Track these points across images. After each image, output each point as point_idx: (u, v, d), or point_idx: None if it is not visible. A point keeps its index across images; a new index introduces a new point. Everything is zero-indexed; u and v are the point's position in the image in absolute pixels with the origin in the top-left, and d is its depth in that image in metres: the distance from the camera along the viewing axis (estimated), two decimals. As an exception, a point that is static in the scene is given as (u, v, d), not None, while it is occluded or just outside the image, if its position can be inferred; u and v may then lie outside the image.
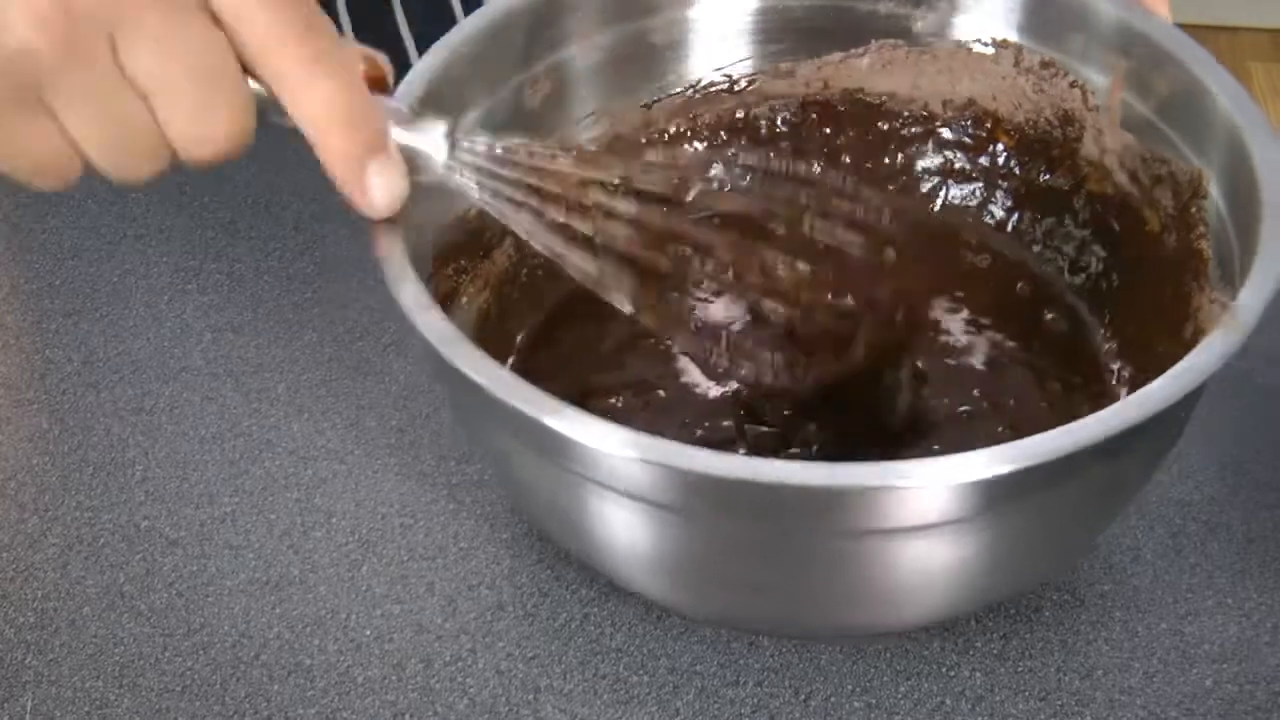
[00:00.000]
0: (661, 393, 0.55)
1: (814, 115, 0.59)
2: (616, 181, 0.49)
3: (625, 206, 0.49)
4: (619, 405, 0.54)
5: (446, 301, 0.52)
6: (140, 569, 0.54)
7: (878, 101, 0.59)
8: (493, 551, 0.55)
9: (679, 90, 0.59)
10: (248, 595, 0.54)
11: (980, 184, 0.59)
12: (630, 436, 0.40)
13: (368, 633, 0.52)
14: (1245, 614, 0.52)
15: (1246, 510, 0.55)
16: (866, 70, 0.58)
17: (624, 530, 0.45)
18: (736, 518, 0.43)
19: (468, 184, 0.48)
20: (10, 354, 0.62)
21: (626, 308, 0.48)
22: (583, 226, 0.49)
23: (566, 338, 0.57)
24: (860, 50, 0.58)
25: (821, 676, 0.51)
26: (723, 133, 0.60)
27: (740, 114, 0.60)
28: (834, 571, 0.45)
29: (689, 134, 0.60)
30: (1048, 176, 0.58)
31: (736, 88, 0.59)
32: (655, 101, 0.59)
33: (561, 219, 0.48)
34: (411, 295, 0.44)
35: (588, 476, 0.43)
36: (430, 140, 0.47)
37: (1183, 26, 0.52)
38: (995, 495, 0.41)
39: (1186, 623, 0.52)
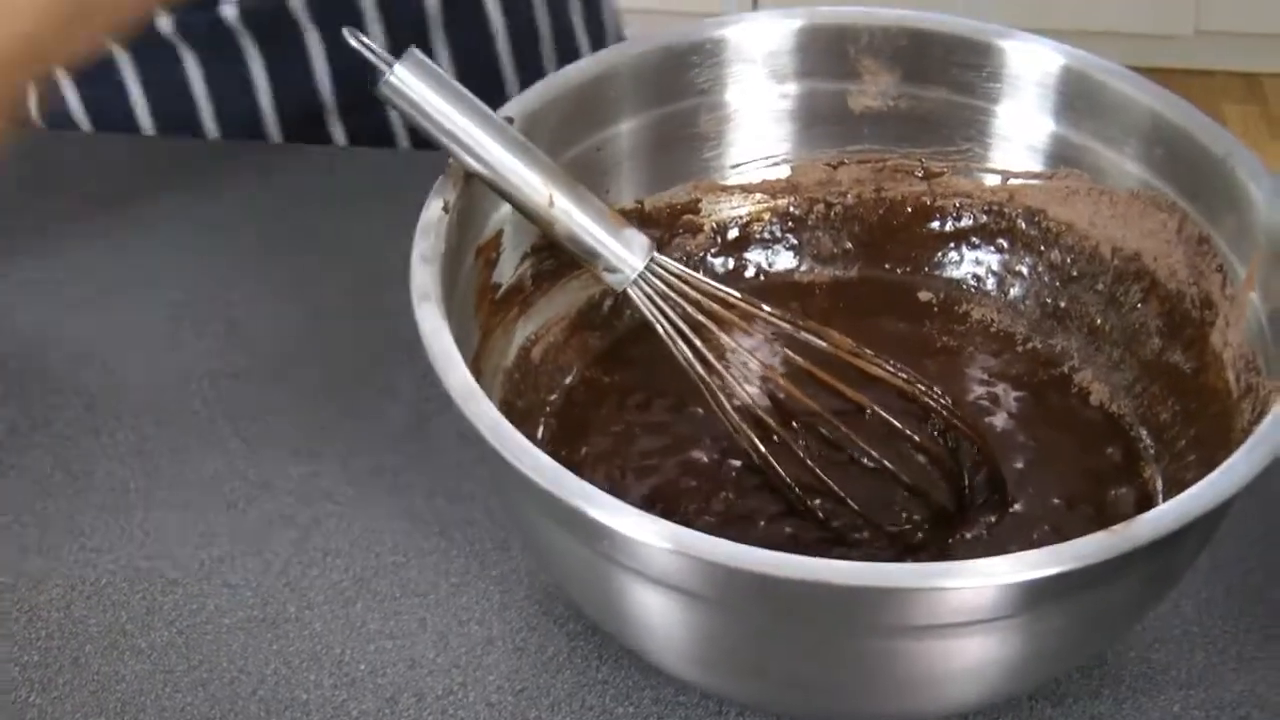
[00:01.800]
0: (704, 458, 0.56)
1: (990, 224, 0.61)
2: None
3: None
4: (656, 472, 0.56)
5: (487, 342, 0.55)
6: (141, 608, 0.56)
7: (1056, 229, 0.60)
8: (482, 588, 0.56)
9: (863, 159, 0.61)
10: (245, 632, 0.55)
11: (1120, 348, 0.59)
12: (668, 529, 0.42)
13: (362, 668, 0.54)
14: (1210, 641, 0.54)
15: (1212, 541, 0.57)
16: (1051, 194, 0.59)
17: (658, 615, 0.47)
18: (774, 611, 0.44)
19: (647, 298, 0.53)
20: (14, 399, 0.64)
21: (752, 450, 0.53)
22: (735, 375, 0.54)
23: (607, 392, 0.59)
24: (1049, 173, 0.59)
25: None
26: (909, 208, 0.62)
27: (919, 199, 0.61)
28: (869, 666, 0.46)
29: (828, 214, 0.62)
30: (1178, 356, 0.57)
31: (919, 172, 0.61)
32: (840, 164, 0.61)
33: (718, 358, 0.53)
34: (459, 381, 0.46)
35: (624, 564, 0.45)
36: (631, 249, 0.53)
37: (1157, 71, 0.54)
38: (1037, 595, 0.43)
39: (1154, 650, 0.54)
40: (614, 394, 0.59)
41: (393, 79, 0.50)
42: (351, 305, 0.68)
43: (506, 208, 0.54)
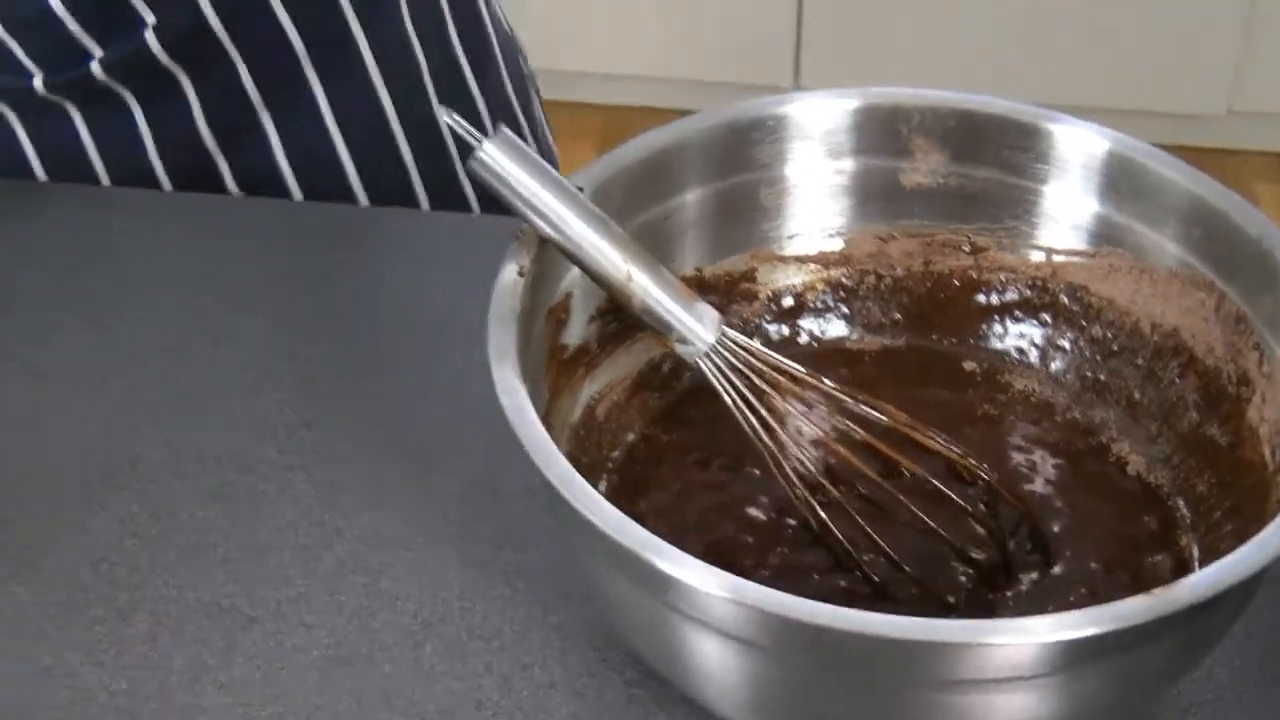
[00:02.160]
0: (760, 515, 0.59)
1: (1033, 299, 0.64)
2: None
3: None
4: (714, 528, 0.58)
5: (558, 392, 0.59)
6: (222, 644, 0.59)
7: (1097, 305, 0.63)
8: (544, 634, 0.59)
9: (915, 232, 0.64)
10: (320, 670, 0.58)
11: (1158, 421, 0.61)
12: (729, 580, 0.45)
13: (430, 707, 0.57)
14: (1244, 706, 0.56)
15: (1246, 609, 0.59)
16: (1093, 271, 0.62)
17: (715, 663, 0.50)
18: (825, 661, 0.47)
19: (716, 369, 0.56)
20: (103, 446, 0.67)
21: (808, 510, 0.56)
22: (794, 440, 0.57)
23: (667, 450, 0.62)
24: (1091, 251, 0.62)
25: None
26: (956, 281, 0.65)
27: (966, 273, 0.64)
28: (914, 718, 0.49)
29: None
30: (1215, 430, 0.59)
31: (966, 247, 0.64)
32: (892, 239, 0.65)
33: (779, 424, 0.56)
34: (533, 436, 0.50)
35: (685, 613, 0.47)
36: (703, 323, 0.56)
37: (1190, 150, 0.57)
38: (1077, 655, 0.45)
39: (1189, 715, 0.56)
40: (673, 452, 0.62)
41: (482, 155, 0.53)
42: (425, 362, 0.71)
43: (576, 272, 0.58)
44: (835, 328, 0.65)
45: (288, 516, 0.64)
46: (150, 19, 0.82)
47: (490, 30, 0.96)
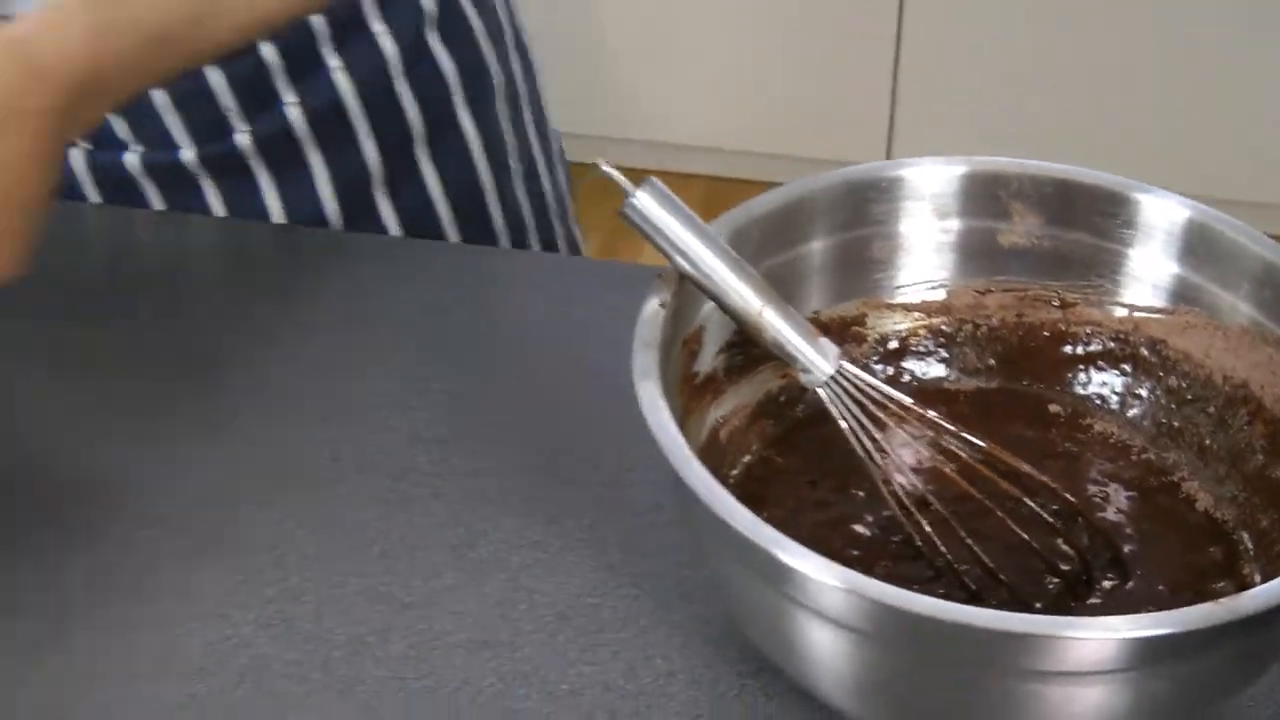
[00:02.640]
0: (865, 532, 0.66)
1: (1115, 351, 0.70)
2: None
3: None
4: (824, 543, 0.63)
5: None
6: (380, 624, 0.67)
7: (1174, 357, 0.69)
8: (666, 630, 0.66)
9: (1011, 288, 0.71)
10: (466, 651, 0.66)
11: (1226, 464, 0.67)
12: (844, 573, 0.52)
13: (564, 688, 0.64)
14: (1297, 723, 0.63)
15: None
16: (1171, 327, 0.69)
17: (826, 649, 0.56)
18: (926, 650, 0.53)
19: (834, 396, 0.63)
20: (272, 451, 0.76)
21: (911, 525, 0.63)
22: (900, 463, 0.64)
23: (780, 472, 0.69)
24: (1170, 308, 0.68)
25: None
26: (1045, 332, 0.71)
27: (1055, 325, 0.71)
28: (1003, 706, 0.55)
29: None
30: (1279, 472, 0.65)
31: (1056, 301, 0.71)
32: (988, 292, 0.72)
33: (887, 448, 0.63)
34: (674, 447, 0.57)
35: (803, 603, 0.54)
36: (825, 356, 0.63)
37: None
38: (1149, 653, 0.51)
39: (1247, 726, 0.62)
40: (786, 474, 0.69)
41: (634, 201, 0.61)
42: (568, 384, 0.79)
43: (709, 307, 0.65)
44: (935, 369, 0.72)
45: (437, 518, 0.72)
46: (292, 98, 0.92)
47: (545, 116, 1.09)
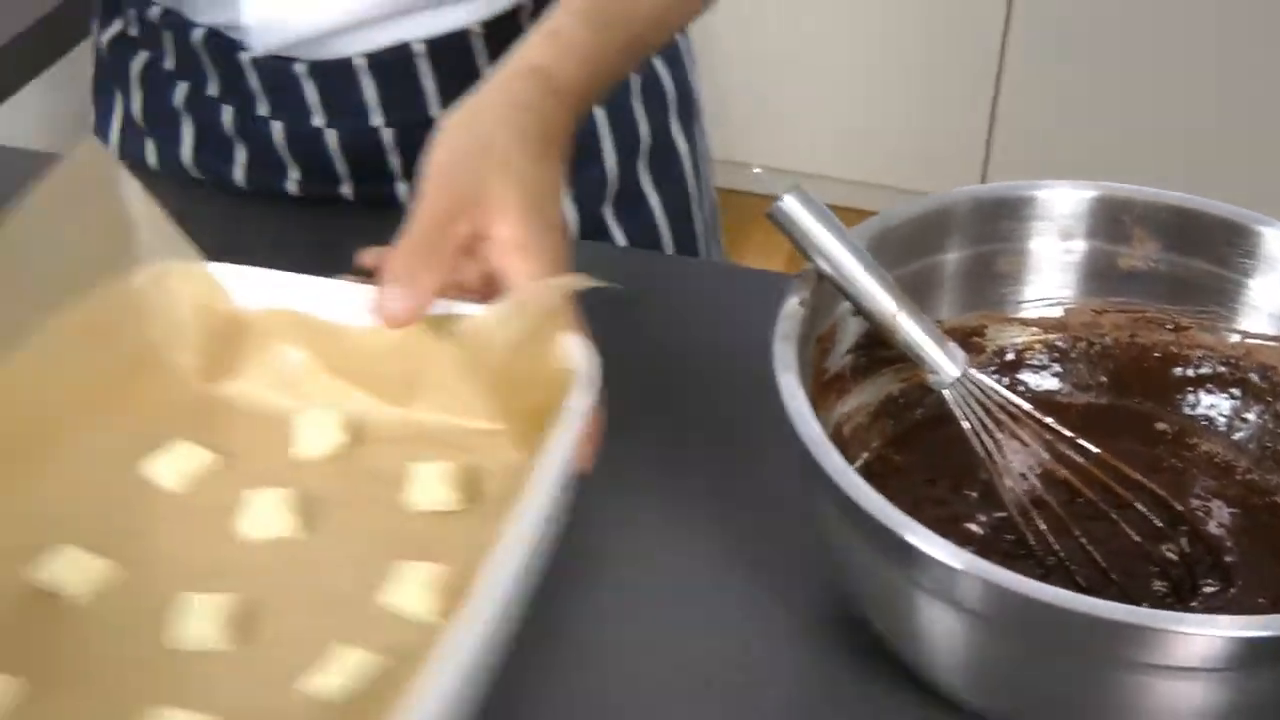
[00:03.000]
0: (978, 530, 0.69)
1: (1226, 375, 0.74)
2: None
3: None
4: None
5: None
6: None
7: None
8: (785, 610, 0.71)
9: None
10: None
11: None
12: (966, 556, 0.56)
13: (684, 657, 0.68)
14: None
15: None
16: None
17: (942, 629, 0.60)
18: (1039, 635, 0.57)
19: (959, 398, 0.67)
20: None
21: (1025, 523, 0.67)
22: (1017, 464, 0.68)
23: (897, 469, 0.73)
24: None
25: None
26: (1157, 353, 0.75)
27: (1168, 347, 0.75)
28: (1111, 695, 0.58)
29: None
30: None
31: (1170, 325, 0.74)
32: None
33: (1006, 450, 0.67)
34: (811, 431, 0.61)
35: (924, 585, 0.58)
36: (953, 360, 0.67)
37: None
38: (1252, 654, 0.55)
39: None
40: (903, 472, 0.72)
41: (782, 205, 0.65)
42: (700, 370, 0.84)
43: (842, 308, 0.69)
44: (1048, 383, 0.76)
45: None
46: None
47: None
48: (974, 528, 0.69)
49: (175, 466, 0.73)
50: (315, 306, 0.75)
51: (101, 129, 1.08)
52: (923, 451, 0.73)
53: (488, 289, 0.72)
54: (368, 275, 0.71)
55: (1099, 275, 0.74)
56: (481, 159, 0.71)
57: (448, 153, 0.72)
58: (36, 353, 0.71)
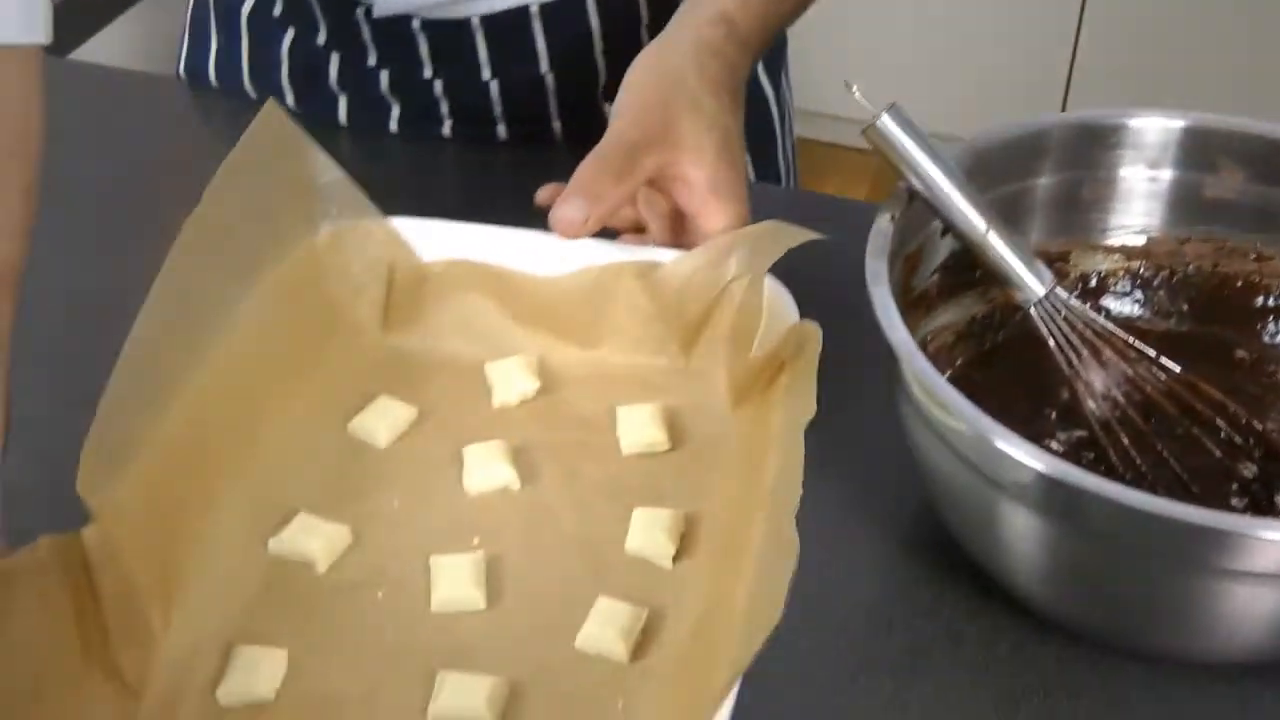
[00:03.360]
0: (1058, 448, 0.71)
1: None
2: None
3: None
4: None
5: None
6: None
7: None
8: (869, 523, 0.73)
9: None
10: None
11: None
12: (1051, 459, 0.58)
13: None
14: None
15: None
16: None
17: (1021, 532, 0.62)
18: (1123, 539, 0.59)
19: (1044, 315, 0.69)
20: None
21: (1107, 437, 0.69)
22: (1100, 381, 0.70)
23: (978, 389, 0.72)
24: None
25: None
26: (1238, 282, 0.77)
27: (1249, 277, 0.77)
28: (1190, 600, 0.60)
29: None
30: None
31: (1253, 255, 0.76)
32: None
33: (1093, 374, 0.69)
34: (901, 338, 0.63)
35: (1006, 488, 0.60)
36: (1038, 278, 0.69)
37: None
38: None
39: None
40: (984, 390, 0.73)
41: (879, 124, 0.67)
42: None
43: (931, 228, 0.71)
44: (1129, 309, 0.78)
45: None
46: None
47: None
48: (1054, 445, 0.71)
49: (382, 424, 0.75)
50: (497, 255, 0.78)
51: (196, 63, 1.11)
52: (1003, 372, 0.75)
53: (674, 226, 0.75)
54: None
55: (1184, 204, 0.76)
56: (673, 98, 0.74)
57: (639, 90, 0.75)
58: (245, 322, 0.73)
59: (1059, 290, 0.69)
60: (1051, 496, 0.59)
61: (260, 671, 0.64)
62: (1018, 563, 0.64)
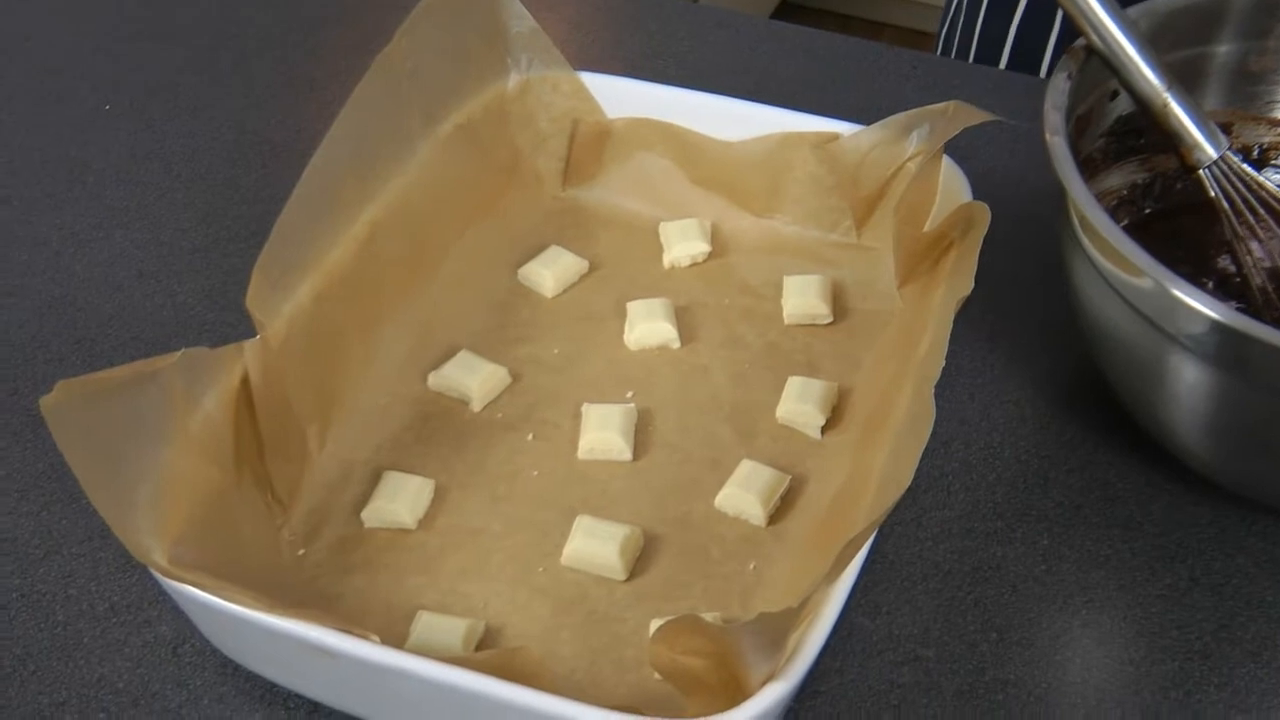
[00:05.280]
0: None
1: None
2: None
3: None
4: None
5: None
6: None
7: None
8: (1018, 380, 0.73)
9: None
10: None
11: None
12: (1224, 308, 0.57)
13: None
14: None
15: None
16: None
17: (1190, 384, 0.61)
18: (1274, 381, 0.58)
19: (1215, 178, 0.68)
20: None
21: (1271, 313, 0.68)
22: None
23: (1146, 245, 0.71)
24: None
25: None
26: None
27: None
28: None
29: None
30: None
31: None
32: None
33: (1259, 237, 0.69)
34: (1079, 191, 0.62)
35: (1176, 337, 0.59)
36: (1215, 141, 0.68)
37: None
38: None
39: None
40: (1144, 257, 0.73)
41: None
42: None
43: (1102, 89, 0.70)
44: (1290, 185, 0.76)
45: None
46: None
47: None
48: (1215, 311, 0.70)
49: (551, 272, 0.76)
50: (680, 116, 0.78)
51: None
52: (1163, 240, 0.73)
53: None
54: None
55: (1355, 81, 0.74)
56: None
57: None
58: (426, 162, 0.74)
59: (1230, 154, 0.68)
60: (1224, 347, 0.58)
61: (405, 498, 0.65)
62: (1182, 416, 0.63)
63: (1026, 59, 1.04)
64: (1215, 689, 0.61)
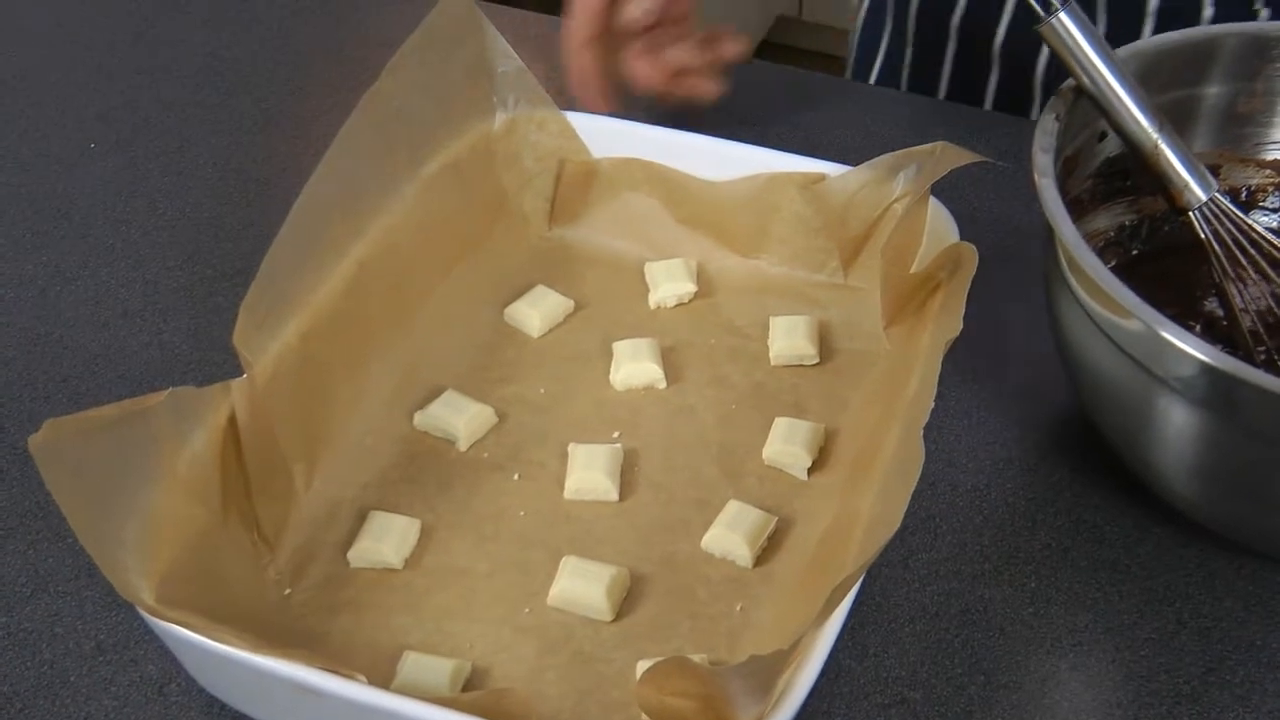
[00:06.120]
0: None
1: None
2: None
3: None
4: None
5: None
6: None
7: None
8: (1004, 422, 0.73)
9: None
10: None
11: None
12: (1208, 348, 0.57)
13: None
14: None
15: None
16: None
17: (1176, 425, 0.61)
18: (1275, 434, 0.58)
19: (1203, 219, 0.68)
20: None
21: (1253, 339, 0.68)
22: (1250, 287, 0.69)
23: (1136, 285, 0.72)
24: None
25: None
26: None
27: None
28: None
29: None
30: None
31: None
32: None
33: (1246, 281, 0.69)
34: (1068, 232, 0.62)
35: (1162, 377, 0.59)
36: (1204, 184, 0.68)
37: None
38: None
39: None
40: (1130, 299, 0.74)
41: (1054, 21, 0.67)
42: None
43: (1087, 134, 0.70)
44: (1278, 225, 0.76)
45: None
46: None
47: None
48: (1202, 354, 0.70)
49: (537, 311, 0.76)
50: (667, 156, 0.79)
51: None
52: (1150, 281, 0.73)
53: None
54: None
55: (1342, 123, 0.75)
56: None
57: None
58: (412, 201, 0.74)
59: (1219, 196, 0.68)
60: (1212, 390, 0.58)
61: (391, 538, 0.65)
62: (1170, 459, 0.63)
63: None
64: (1203, 733, 0.61)
